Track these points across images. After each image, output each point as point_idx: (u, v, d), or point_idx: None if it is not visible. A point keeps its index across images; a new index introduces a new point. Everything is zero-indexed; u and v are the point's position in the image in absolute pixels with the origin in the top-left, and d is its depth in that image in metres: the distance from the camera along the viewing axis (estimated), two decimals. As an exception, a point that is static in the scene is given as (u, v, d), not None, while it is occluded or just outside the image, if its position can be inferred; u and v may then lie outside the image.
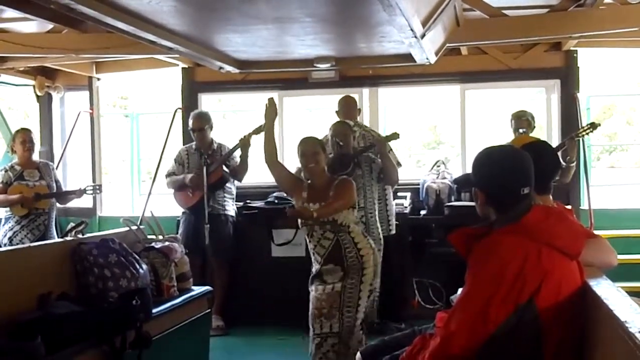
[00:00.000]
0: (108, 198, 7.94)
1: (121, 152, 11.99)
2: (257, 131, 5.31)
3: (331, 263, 4.06)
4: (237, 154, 5.82)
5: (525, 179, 2.36)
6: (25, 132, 6.01)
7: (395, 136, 5.19)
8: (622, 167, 20.09)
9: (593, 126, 5.32)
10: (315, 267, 4.15)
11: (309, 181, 4.22)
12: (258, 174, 6.28)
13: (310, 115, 10.28)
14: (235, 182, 6.05)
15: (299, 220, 4.09)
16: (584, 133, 5.36)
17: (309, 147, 4.17)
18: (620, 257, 2.75)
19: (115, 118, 15.29)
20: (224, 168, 5.88)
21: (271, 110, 4.26)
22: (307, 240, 4.19)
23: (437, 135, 20.94)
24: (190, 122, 6.03)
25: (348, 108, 5.58)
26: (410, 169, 10.70)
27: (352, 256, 4.05)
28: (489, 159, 2.46)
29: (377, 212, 5.19)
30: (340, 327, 4.03)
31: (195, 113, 6.14)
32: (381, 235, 5.34)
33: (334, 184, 4.10)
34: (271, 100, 4.28)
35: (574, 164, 5.35)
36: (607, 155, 22.02)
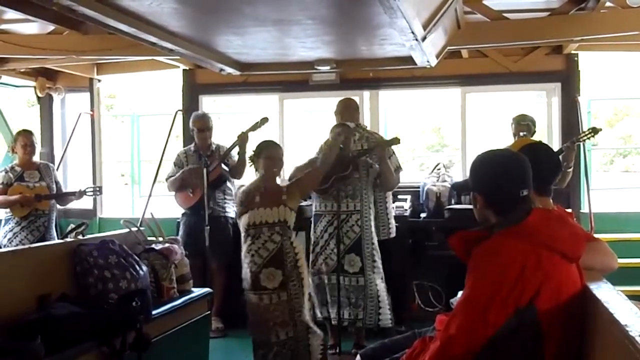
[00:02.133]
0: (105, 199, 7.93)
1: (109, 152, 11.92)
2: (254, 128, 5.33)
3: (272, 266, 4.23)
4: (236, 152, 5.82)
5: (524, 181, 2.36)
6: (26, 135, 6.00)
7: (396, 141, 5.15)
8: (637, 172, 19.91)
9: (594, 131, 5.30)
10: (251, 269, 4.28)
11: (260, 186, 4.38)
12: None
13: (311, 117, 10.25)
14: (235, 183, 6.05)
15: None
16: (585, 138, 5.35)
17: (276, 153, 4.39)
18: (620, 260, 2.75)
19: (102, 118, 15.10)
20: (223, 167, 5.89)
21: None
22: (248, 243, 4.34)
23: (441, 137, 20.75)
24: (193, 122, 6.08)
25: (348, 111, 5.52)
26: (412, 172, 10.65)
27: (291, 261, 4.25)
28: (486, 162, 2.46)
29: (372, 216, 5.16)
30: (295, 332, 4.22)
31: (198, 114, 6.25)
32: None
33: (284, 187, 4.40)
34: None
35: (571, 169, 5.33)
36: (622, 158, 21.76)
